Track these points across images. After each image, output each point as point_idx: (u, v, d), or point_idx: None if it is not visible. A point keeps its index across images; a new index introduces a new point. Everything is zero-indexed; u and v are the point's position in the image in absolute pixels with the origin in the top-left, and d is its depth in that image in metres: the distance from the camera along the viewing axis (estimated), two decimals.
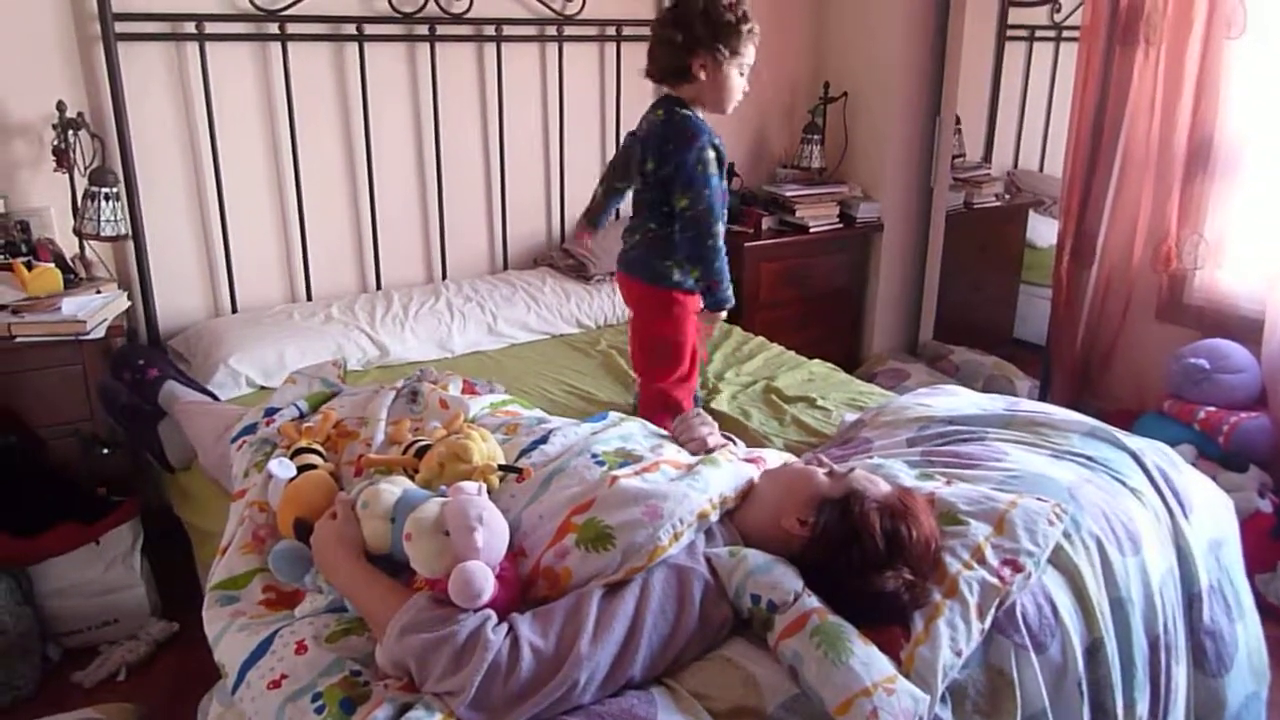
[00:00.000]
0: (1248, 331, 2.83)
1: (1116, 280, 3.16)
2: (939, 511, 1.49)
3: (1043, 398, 3.35)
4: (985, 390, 3.13)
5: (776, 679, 1.24)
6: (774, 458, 1.67)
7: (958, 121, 3.74)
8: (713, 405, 2.46)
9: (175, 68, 2.64)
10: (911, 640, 1.29)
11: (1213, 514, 1.78)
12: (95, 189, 2.41)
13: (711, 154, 2.09)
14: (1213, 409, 2.78)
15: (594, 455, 1.50)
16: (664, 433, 1.73)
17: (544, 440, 1.58)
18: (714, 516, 1.40)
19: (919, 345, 3.89)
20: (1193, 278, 3.04)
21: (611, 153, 3.44)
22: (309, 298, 2.97)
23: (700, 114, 2.13)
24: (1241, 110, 2.79)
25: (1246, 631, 1.73)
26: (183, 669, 2.21)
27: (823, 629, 1.24)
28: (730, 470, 1.50)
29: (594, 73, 3.36)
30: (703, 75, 2.05)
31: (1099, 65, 3.03)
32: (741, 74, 2.09)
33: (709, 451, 1.62)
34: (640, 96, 3.42)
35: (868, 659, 1.22)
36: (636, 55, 3.38)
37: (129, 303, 2.51)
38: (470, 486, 1.35)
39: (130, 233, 2.56)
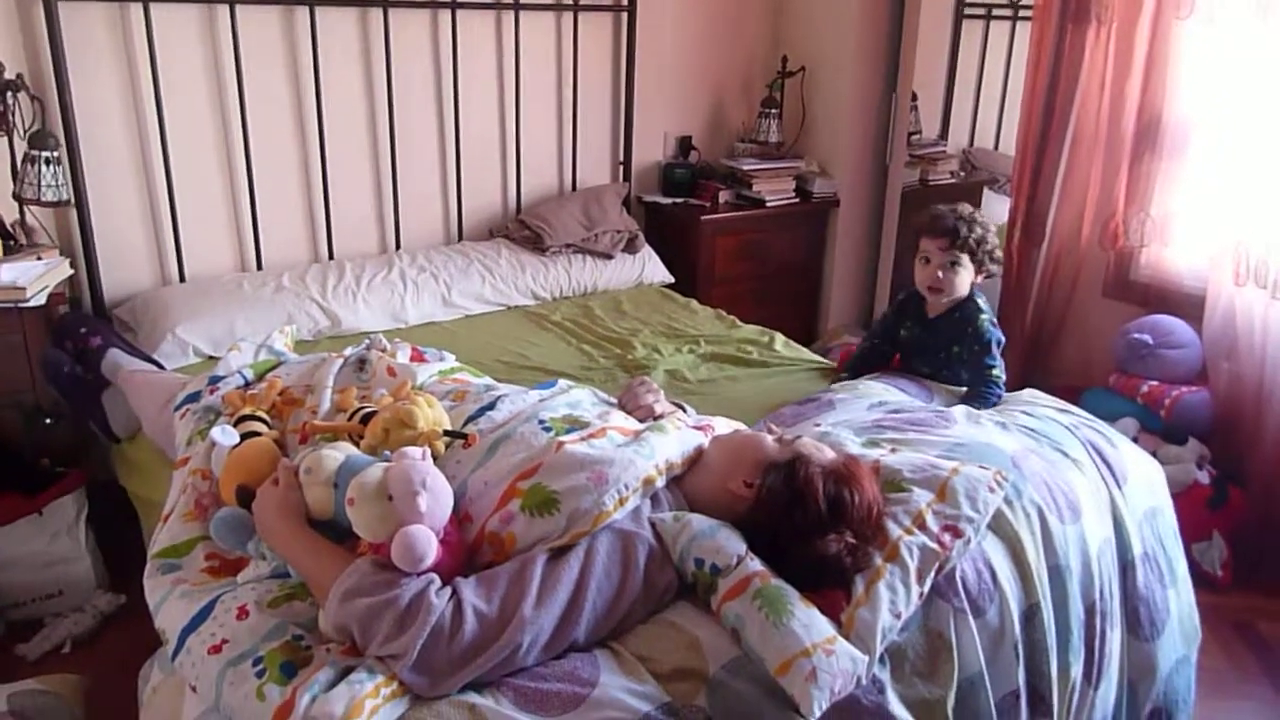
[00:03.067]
0: (1190, 308, 2.89)
1: (1065, 257, 3.21)
2: (883, 478, 1.51)
3: None
4: None
5: (719, 641, 1.26)
6: (724, 425, 1.68)
7: (915, 98, 3.76)
8: (660, 369, 2.47)
9: (119, 29, 2.57)
10: (852, 603, 1.31)
11: (1147, 485, 1.83)
12: (35, 153, 2.35)
13: None
14: (1155, 383, 2.85)
15: (541, 422, 1.50)
16: (613, 400, 1.74)
17: (491, 407, 1.58)
18: (660, 482, 1.41)
19: (874, 320, 3.93)
20: (1139, 255, 3.10)
21: (568, 124, 3.42)
22: (260, 267, 2.92)
23: None
24: (1189, 91, 2.84)
25: (1178, 598, 1.78)
26: (129, 641, 2.19)
27: (764, 592, 1.26)
28: (677, 437, 1.50)
29: (551, 43, 3.33)
30: None
31: (1051, 44, 3.06)
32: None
33: (656, 419, 1.62)
34: (596, 67, 3.41)
35: (808, 621, 1.23)
36: (592, 26, 3.38)
37: (71, 270, 2.46)
38: (414, 452, 1.34)
39: (73, 198, 2.50)
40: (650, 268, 3.33)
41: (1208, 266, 2.83)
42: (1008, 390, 2.19)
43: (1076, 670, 1.52)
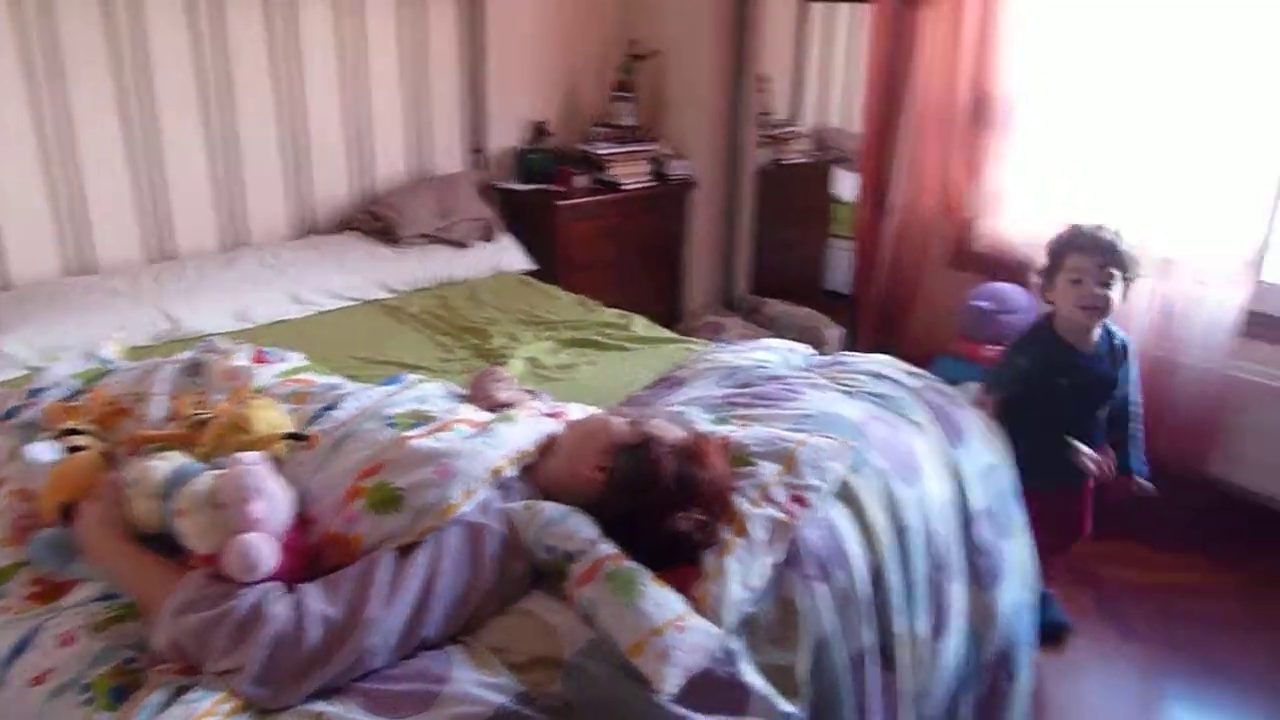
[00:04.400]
0: (1025, 273, 3.05)
1: (911, 231, 3.34)
2: (732, 454, 1.53)
3: (850, 345, 3.52)
4: (798, 340, 3.24)
5: (574, 627, 1.26)
6: (578, 411, 1.68)
7: (765, 80, 3.83)
8: (518, 356, 2.45)
9: None
10: (704, 578, 1.33)
11: (986, 443, 1.92)
12: None
13: None
14: (998, 348, 2.99)
15: (386, 418, 1.46)
16: (463, 392, 1.71)
17: (333, 406, 1.53)
18: (509, 472, 1.40)
19: (735, 299, 4.00)
20: (977, 226, 3.25)
21: (419, 111, 3.35)
22: (91, 270, 2.75)
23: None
24: (1015, 67, 2.98)
25: (1017, 547, 1.88)
26: None
27: (615, 574, 1.26)
28: (528, 426, 1.49)
29: (399, 29, 3.24)
30: None
31: (889, 24, 3.17)
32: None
33: (505, 409, 1.61)
34: (444, 50, 3.34)
35: (660, 599, 1.25)
36: (441, 11, 3.30)
37: None
38: (249, 457, 1.29)
39: None
40: (508, 255, 3.29)
41: (1037, 233, 2.99)
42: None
43: (923, 625, 1.59)
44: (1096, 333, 2.11)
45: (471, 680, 1.17)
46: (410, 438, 1.38)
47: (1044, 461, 2.05)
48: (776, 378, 1.91)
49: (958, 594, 1.70)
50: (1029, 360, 2.14)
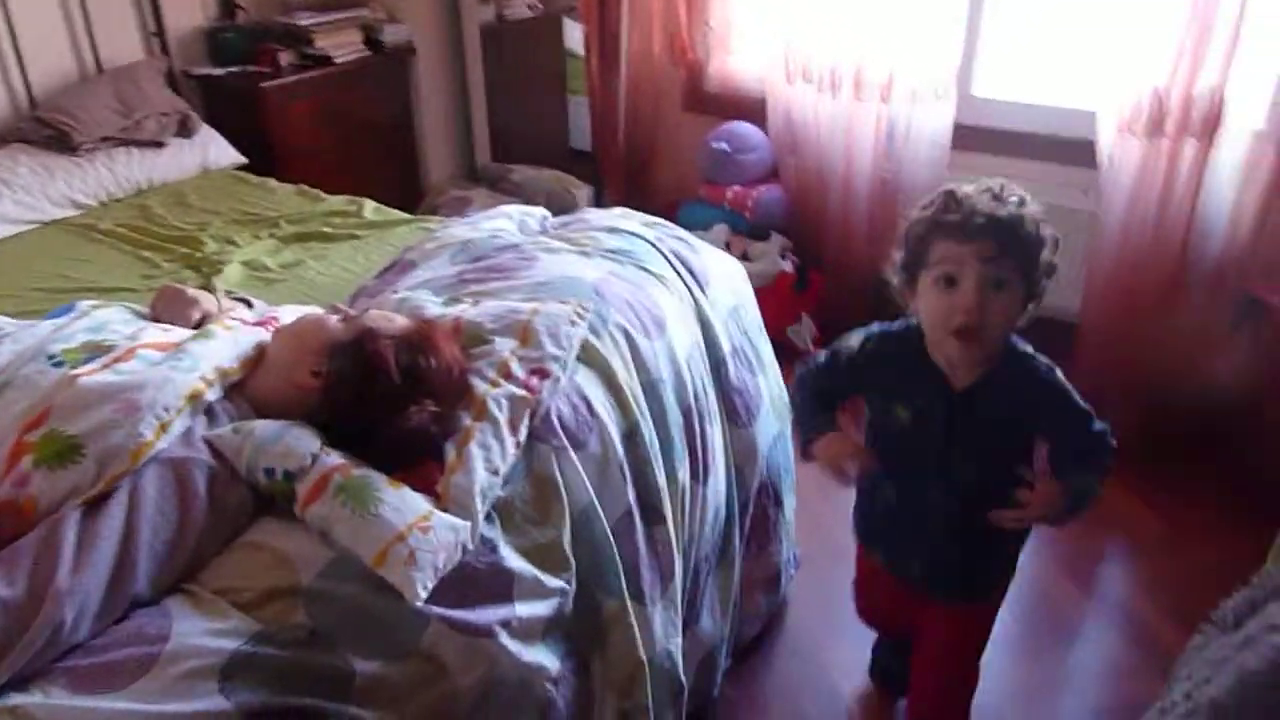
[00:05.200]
0: (757, 112, 3.07)
1: (643, 78, 3.26)
2: (466, 334, 1.44)
3: (598, 203, 3.46)
4: (548, 205, 3.15)
5: (310, 549, 1.15)
6: (292, 314, 1.52)
7: None
8: (235, 261, 2.23)
9: None
10: (447, 471, 1.25)
11: (729, 284, 1.93)
12: None
13: None
14: (739, 188, 3.03)
15: (51, 357, 1.26)
16: (147, 312, 1.50)
17: None
18: (210, 395, 1.24)
19: (478, 169, 3.83)
20: (707, 67, 3.22)
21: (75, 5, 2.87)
22: None
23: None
24: None
25: (767, 382, 1.93)
26: None
27: (347, 485, 1.16)
28: (227, 339, 1.33)
29: None
30: None
31: None
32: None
33: (200, 325, 1.43)
34: None
35: (399, 504, 1.16)
36: None
37: None
38: None
39: None
40: (214, 150, 2.95)
41: (764, 70, 3.00)
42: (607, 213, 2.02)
43: (683, 473, 1.60)
44: (978, 359, 1.32)
45: (197, 631, 1.05)
46: (82, 374, 1.20)
47: (888, 534, 1.54)
48: (511, 247, 1.81)
49: (716, 437, 1.73)
50: (868, 344, 1.45)
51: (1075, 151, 2.60)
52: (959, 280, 1.25)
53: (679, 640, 1.55)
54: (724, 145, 3.02)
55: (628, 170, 3.41)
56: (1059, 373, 1.35)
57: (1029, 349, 1.36)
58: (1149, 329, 2.53)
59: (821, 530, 2.25)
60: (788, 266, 2.92)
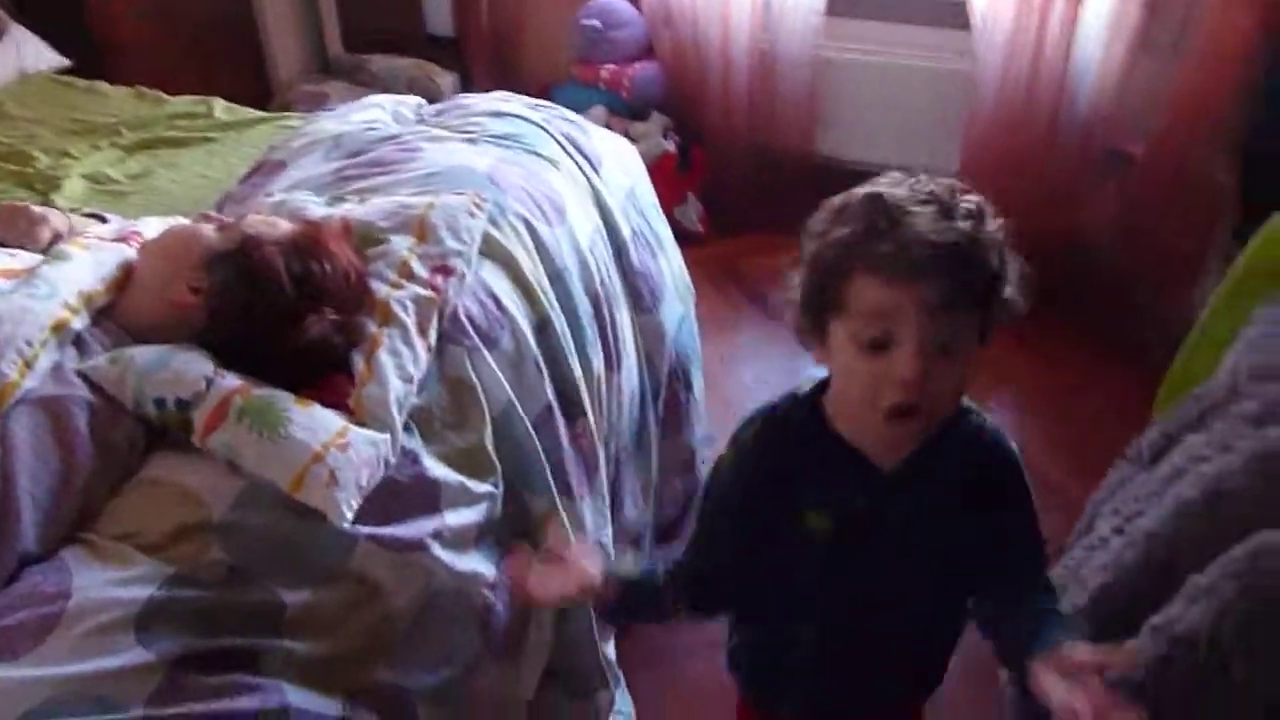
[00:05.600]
0: None
1: None
2: (358, 234, 1.34)
3: (465, 90, 3.27)
4: (409, 94, 2.97)
5: (216, 481, 1.06)
6: (155, 226, 1.37)
7: None
8: (75, 175, 2.00)
9: None
10: (357, 382, 1.17)
11: (621, 165, 1.86)
12: None
13: None
14: (613, 67, 2.91)
15: None
16: None
17: None
18: (77, 322, 1.11)
19: (330, 62, 3.56)
20: None
21: None
22: None
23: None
24: None
25: (669, 263, 1.88)
26: None
27: (250, 407, 1.07)
28: (86, 259, 1.19)
29: None
30: None
31: None
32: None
33: (51, 246, 1.27)
34: None
35: (310, 422, 1.08)
36: None
37: None
38: None
39: None
40: (30, 52, 2.61)
41: None
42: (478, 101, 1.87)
43: (597, 362, 1.56)
44: (916, 435, 0.93)
45: (101, 582, 0.97)
46: None
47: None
48: (390, 138, 1.68)
49: (624, 323, 1.68)
50: (748, 446, 1.00)
51: (950, 13, 2.59)
52: (893, 344, 0.84)
53: (609, 531, 1.54)
54: (595, 22, 2.89)
55: (494, 54, 3.23)
56: (1013, 444, 0.98)
57: (969, 404, 0.97)
58: (1025, 186, 2.59)
59: (730, 407, 2.26)
60: (670, 146, 2.85)
